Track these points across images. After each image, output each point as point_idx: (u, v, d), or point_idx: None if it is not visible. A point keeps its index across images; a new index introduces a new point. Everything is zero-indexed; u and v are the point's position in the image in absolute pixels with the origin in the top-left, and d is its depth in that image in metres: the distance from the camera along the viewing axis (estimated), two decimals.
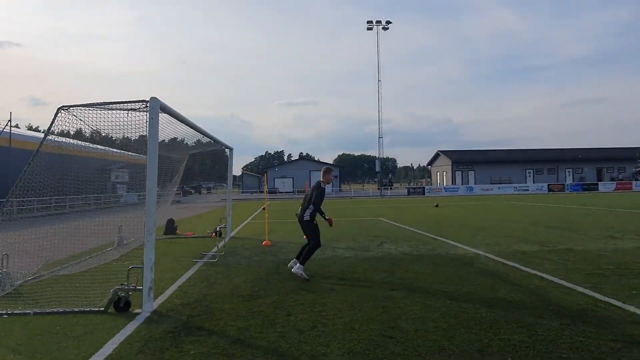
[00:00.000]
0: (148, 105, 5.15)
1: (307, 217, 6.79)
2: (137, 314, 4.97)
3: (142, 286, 5.07)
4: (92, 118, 5.54)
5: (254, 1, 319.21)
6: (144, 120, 5.42)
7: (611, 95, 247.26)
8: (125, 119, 5.50)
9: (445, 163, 63.69)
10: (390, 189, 60.05)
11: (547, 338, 3.95)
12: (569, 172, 60.51)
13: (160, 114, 5.36)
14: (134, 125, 5.59)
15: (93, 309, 5.09)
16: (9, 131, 27.52)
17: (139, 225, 8.67)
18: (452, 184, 58.32)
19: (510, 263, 7.50)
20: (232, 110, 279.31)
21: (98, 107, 5.39)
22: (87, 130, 6.04)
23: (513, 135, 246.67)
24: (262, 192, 64.34)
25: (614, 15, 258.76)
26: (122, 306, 5.06)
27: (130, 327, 4.49)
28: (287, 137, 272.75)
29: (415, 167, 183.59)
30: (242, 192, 69.30)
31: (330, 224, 6.85)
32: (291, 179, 65.93)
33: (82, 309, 5.12)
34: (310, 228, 6.80)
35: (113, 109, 5.42)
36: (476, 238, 10.85)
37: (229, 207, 12.73)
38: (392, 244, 10.14)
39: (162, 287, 6.18)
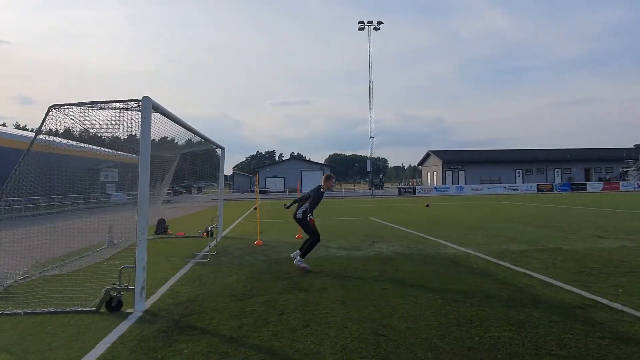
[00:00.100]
0: (140, 104, 5.14)
1: (299, 214, 7.27)
2: (129, 313, 4.95)
3: (134, 286, 5.05)
4: (83, 117, 5.51)
5: (246, 0, 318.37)
6: (136, 120, 5.40)
7: (600, 96, 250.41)
8: (118, 118, 5.47)
9: (435, 163, 64.07)
10: (381, 188, 60.27)
11: (536, 335, 4.02)
12: (557, 172, 61.22)
13: (152, 113, 5.34)
14: (126, 124, 5.57)
15: (84, 309, 5.06)
16: None
17: (130, 225, 8.63)
18: (443, 183, 58.69)
19: (500, 262, 7.59)
20: (223, 109, 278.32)
21: (90, 106, 5.36)
22: (78, 130, 6.01)
23: (503, 136, 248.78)
24: (253, 191, 64.21)
25: (603, 17, 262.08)
26: (114, 306, 5.04)
27: (122, 327, 4.48)
28: (278, 137, 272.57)
29: (406, 167, 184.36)
30: (233, 192, 69.09)
31: (311, 223, 7.12)
32: (282, 178, 65.89)
33: (73, 308, 5.09)
34: (306, 225, 7.18)
35: (105, 108, 5.40)
36: (466, 237, 10.96)
37: (220, 206, 12.70)
38: (384, 244, 10.20)
39: (154, 286, 6.16)
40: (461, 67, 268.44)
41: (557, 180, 58.87)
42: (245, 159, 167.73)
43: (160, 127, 6.93)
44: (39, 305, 5.24)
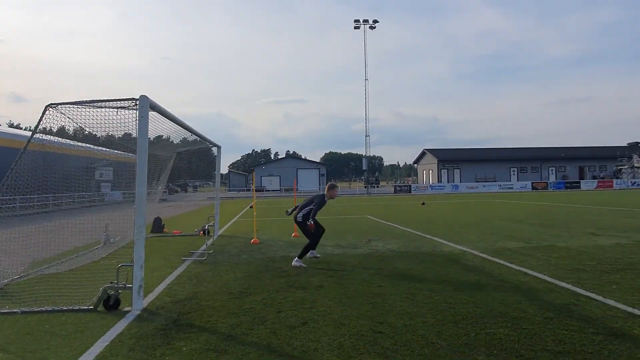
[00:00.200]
0: (138, 103, 5.14)
1: (299, 218, 7.60)
2: (127, 312, 4.96)
3: (132, 284, 5.06)
4: (80, 116, 5.50)
5: None
6: (133, 119, 5.41)
7: (594, 95, 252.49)
8: (114, 117, 5.47)
9: (431, 161, 64.25)
10: (377, 187, 60.38)
11: (532, 332, 4.07)
12: (552, 170, 61.56)
13: (148, 112, 5.34)
14: (123, 123, 5.57)
15: (82, 308, 5.06)
16: None
17: (125, 223, 8.63)
18: (438, 182, 58.86)
19: (496, 259, 7.65)
20: (219, 108, 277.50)
21: (87, 105, 5.36)
22: (75, 128, 5.99)
23: (498, 134, 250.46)
24: (249, 190, 64.13)
25: (597, 17, 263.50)
26: (111, 304, 5.04)
27: (120, 325, 4.49)
28: (274, 136, 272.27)
29: (401, 165, 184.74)
30: (229, 190, 68.98)
31: (311, 228, 7.46)
32: (278, 177, 65.84)
33: (71, 307, 5.09)
34: (305, 228, 7.51)
35: (102, 107, 5.39)
36: (462, 235, 11.02)
37: (217, 205, 12.70)
38: (380, 242, 10.25)
39: (152, 285, 6.17)
40: (456, 66, 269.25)
41: (552, 179, 59.21)
42: (240, 157, 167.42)
43: (155, 126, 6.92)
44: (36, 304, 5.23)
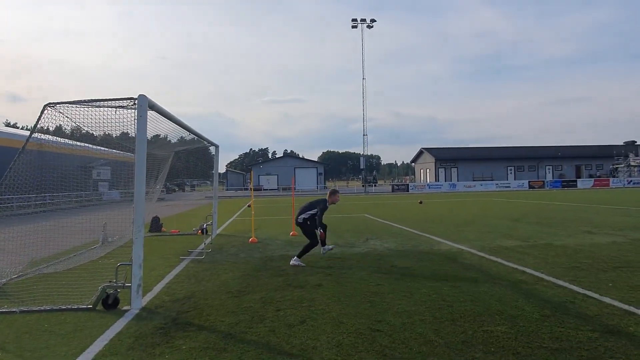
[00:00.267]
0: (136, 102, 5.14)
1: (300, 220, 7.68)
2: (126, 310, 4.97)
3: (130, 283, 5.07)
4: (79, 115, 5.50)
5: None
6: (132, 118, 5.41)
7: (590, 94, 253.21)
8: (113, 117, 5.47)
9: (428, 160, 64.34)
10: (375, 185, 60.44)
11: (529, 329, 4.10)
12: (549, 169, 61.74)
13: (147, 112, 5.34)
14: (121, 122, 5.57)
15: (81, 307, 5.07)
16: None
17: (123, 223, 8.62)
18: (436, 180, 58.97)
19: (493, 258, 7.69)
20: (216, 107, 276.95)
21: (85, 104, 5.36)
22: (73, 128, 5.99)
23: (495, 133, 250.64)
24: (247, 189, 64.11)
25: (593, 17, 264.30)
26: (110, 303, 5.06)
27: (119, 324, 4.50)
28: (271, 135, 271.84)
29: (399, 164, 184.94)
30: (227, 190, 68.92)
31: (322, 238, 7.74)
32: (276, 176, 65.79)
33: (69, 306, 5.09)
34: (305, 229, 7.65)
35: (101, 106, 5.39)
36: (459, 234, 11.06)
37: (215, 204, 12.70)
38: (378, 240, 10.28)
39: (150, 284, 6.18)
40: (454, 65, 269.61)
41: (549, 177, 59.40)
42: (238, 156, 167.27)
43: (153, 125, 6.92)
44: (35, 303, 5.24)
